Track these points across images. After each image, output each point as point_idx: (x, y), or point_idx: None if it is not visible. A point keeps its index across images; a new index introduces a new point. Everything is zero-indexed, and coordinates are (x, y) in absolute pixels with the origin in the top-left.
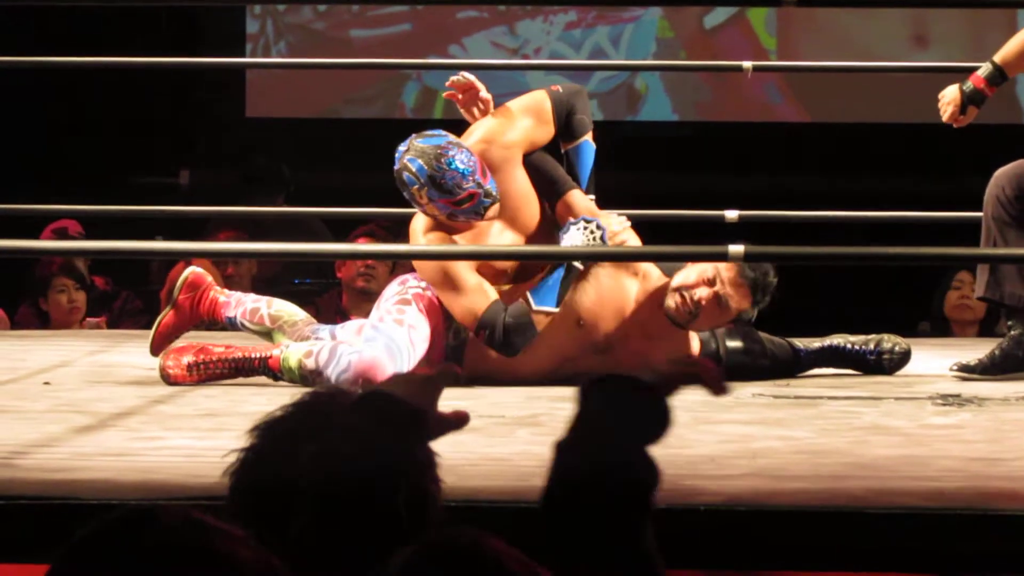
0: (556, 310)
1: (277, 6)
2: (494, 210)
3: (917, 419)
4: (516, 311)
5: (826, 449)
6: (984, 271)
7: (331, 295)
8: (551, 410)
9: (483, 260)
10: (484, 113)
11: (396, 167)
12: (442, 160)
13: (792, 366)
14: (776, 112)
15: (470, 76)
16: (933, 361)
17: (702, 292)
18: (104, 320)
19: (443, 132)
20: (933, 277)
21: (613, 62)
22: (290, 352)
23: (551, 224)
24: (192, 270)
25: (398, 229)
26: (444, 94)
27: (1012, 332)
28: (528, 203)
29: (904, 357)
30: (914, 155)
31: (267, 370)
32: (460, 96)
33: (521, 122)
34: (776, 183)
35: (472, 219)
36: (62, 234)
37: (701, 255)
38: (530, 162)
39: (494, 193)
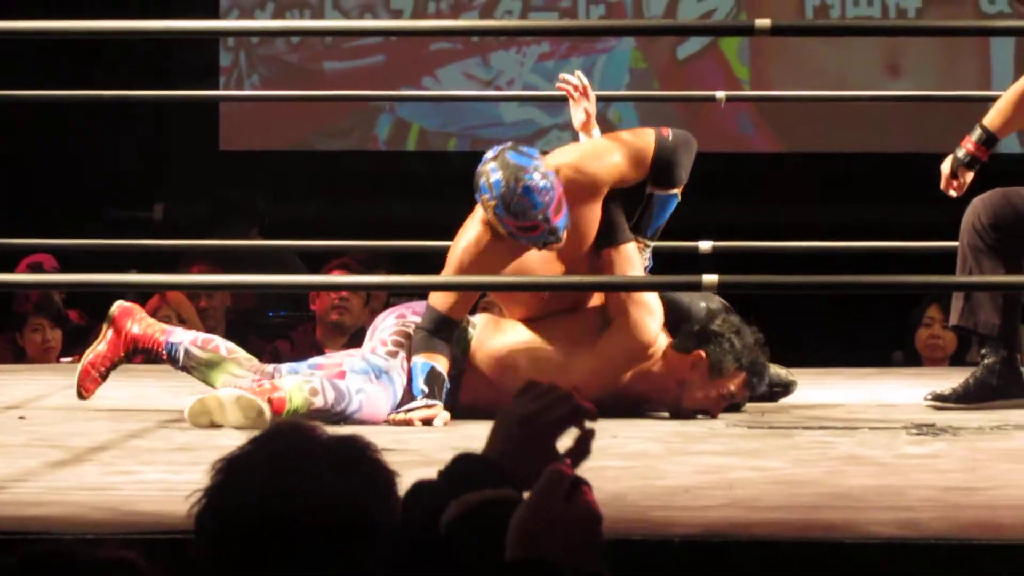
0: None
1: (250, 39)
2: (556, 246)
3: (892, 449)
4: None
5: (801, 479)
6: (959, 299)
7: (305, 328)
8: None
9: (476, 290)
10: (586, 125)
11: (479, 167)
12: (520, 183)
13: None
14: (749, 142)
15: (585, 80)
16: (907, 391)
17: (718, 410)
18: (78, 358)
19: (538, 153)
20: (906, 307)
21: None
22: (293, 392)
23: (594, 267)
24: (119, 304)
25: (372, 261)
26: (557, 86)
27: (985, 361)
28: (586, 240)
29: (787, 389)
30: (888, 184)
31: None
32: (575, 95)
33: (617, 158)
34: (750, 214)
35: (529, 245)
36: (37, 268)
37: (675, 285)
38: (612, 206)
39: (560, 232)
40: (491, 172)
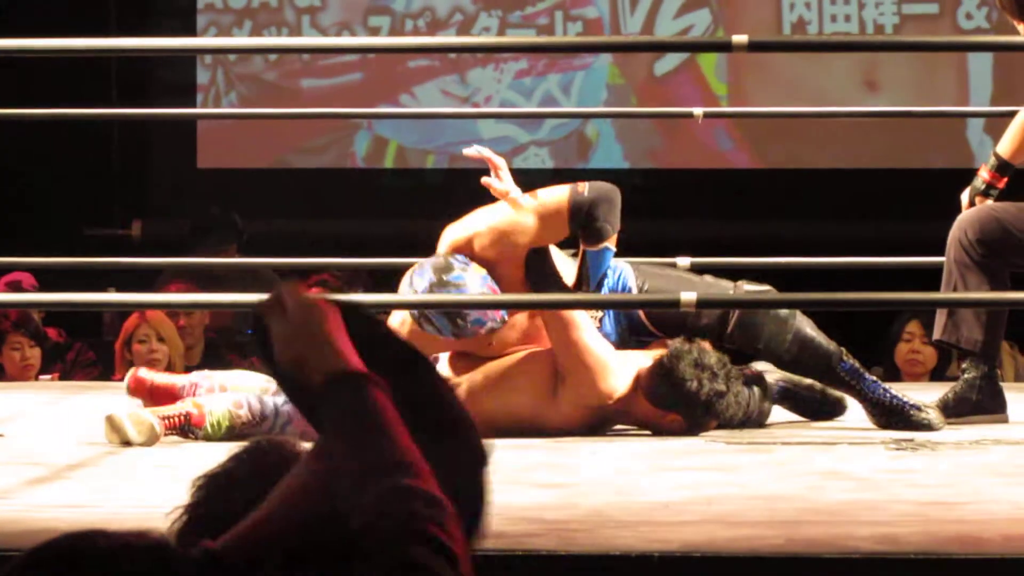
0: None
1: (228, 56)
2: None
3: (872, 464)
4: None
5: (781, 495)
6: (942, 314)
7: None
8: (507, 458)
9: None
10: (501, 193)
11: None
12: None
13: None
14: (727, 158)
15: (497, 160)
16: None
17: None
18: (57, 375)
19: (461, 264)
20: (885, 322)
21: (564, 109)
22: (214, 407)
23: (530, 326)
24: (130, 376)
25: (351, 278)
26: (469, 155)
27: (966, 375)
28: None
29: (840, 406)
30: (866, 200)
31: (189, 427)
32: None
33: (530, 221)
34: (728, 230)
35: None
36: (15, 287)
37: (653, 303)
38: (535, 259)
39: (497, 327)
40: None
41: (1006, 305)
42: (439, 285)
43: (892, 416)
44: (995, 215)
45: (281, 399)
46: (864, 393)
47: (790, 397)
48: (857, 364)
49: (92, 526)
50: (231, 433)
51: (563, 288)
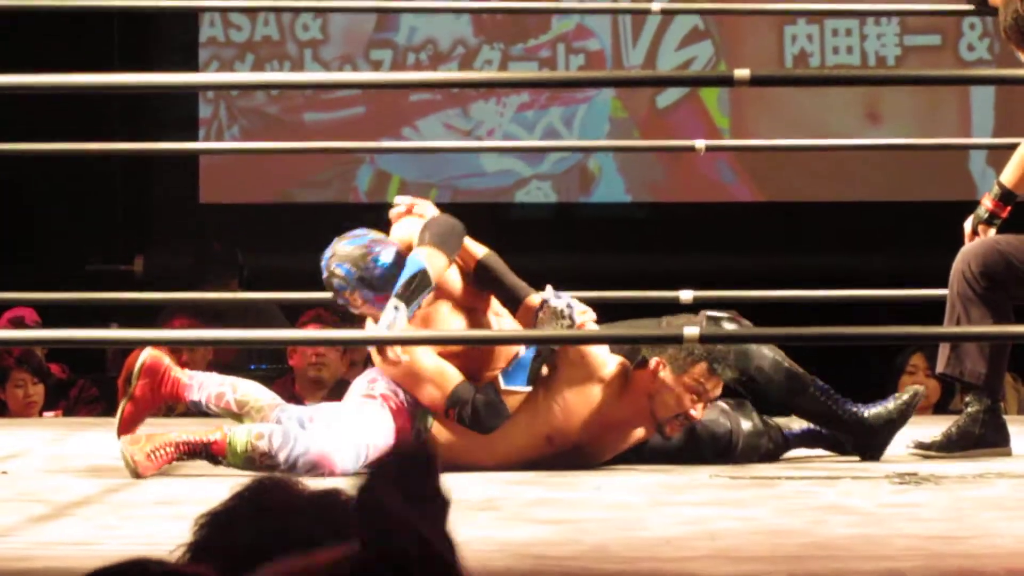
0: (527, 389)
1: (230, 90)
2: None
3: (875, 498)
4: (487, 390)
5: (784, 529)
6: (945, 347)
7: (284, 381)
8: (509, 494)
9: (440, 344)
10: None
11: (324, 276)
12: (368, 259)
13: (782, 448)
14: (730, 191)
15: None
16: None
17: (696, 412)
18: (60, 412)
19: (364, 231)
20: (889, 355)
21: (566, 143)
22: (236, 435)
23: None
24: (148, 354)
25: (348, 313)
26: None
27: (969, 409)
28: (464, 285)
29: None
30: (869, 233)
31: (210, 455)
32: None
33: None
34: (730, 263)
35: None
36: (18, 323)
37: (656, 338)
38: (484, 268)
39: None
40: (337, 269)
41: (1009, 339)
42: (365, 271)
43: (869, 435)
44: (998, 248)
45: (297, 424)
46: (838, 413)
47: (816, 437)
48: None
49: (96, 563)
50: (250, 464)
51: (522, 288)
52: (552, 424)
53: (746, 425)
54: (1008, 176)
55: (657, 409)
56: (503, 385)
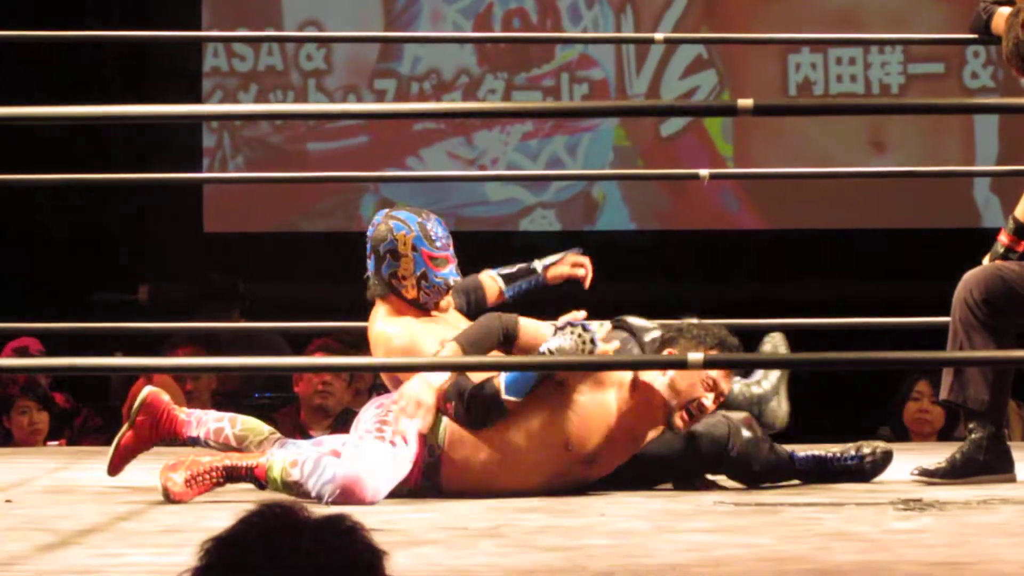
0: (519, 400)
1: (234, 121)
2: (447, 300)
3: (879, 524)
4: (488, 387)
5: (789, 556)
6: (948, 373)
7: (289, 410)
8: (513, 520)
9: (440, 370)
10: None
11: (377, 224)
12: (429, 216)
13: (787, 470)
14: (734, 219)
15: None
16: (894, 466)
17: (708, 400)
18: (64, 441)
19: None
20: (893, 381)
21: (570, 172)
22: (274, 461)
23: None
24: (149, 390)
25: (355, 342)
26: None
27: (973, 435)
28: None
29: (886, 458)
30: (873, 260)
31: (253, 479)
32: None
33: None
34: (735, 290)
35: (433, 298)
36: (22, 352)
37: (661, 363)
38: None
39: (452, 281)
40: (396, 215)
41: (1012, 364)
42: (425, 220)
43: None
44: (1000, 274)
45: (334, 461)
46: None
47: (824, 465)
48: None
49: None
50: (288, 491)
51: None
52: (568, 431)
53: (746, 433)
54: (1021, 210)
55: (670, 397)
56: (502, 391)
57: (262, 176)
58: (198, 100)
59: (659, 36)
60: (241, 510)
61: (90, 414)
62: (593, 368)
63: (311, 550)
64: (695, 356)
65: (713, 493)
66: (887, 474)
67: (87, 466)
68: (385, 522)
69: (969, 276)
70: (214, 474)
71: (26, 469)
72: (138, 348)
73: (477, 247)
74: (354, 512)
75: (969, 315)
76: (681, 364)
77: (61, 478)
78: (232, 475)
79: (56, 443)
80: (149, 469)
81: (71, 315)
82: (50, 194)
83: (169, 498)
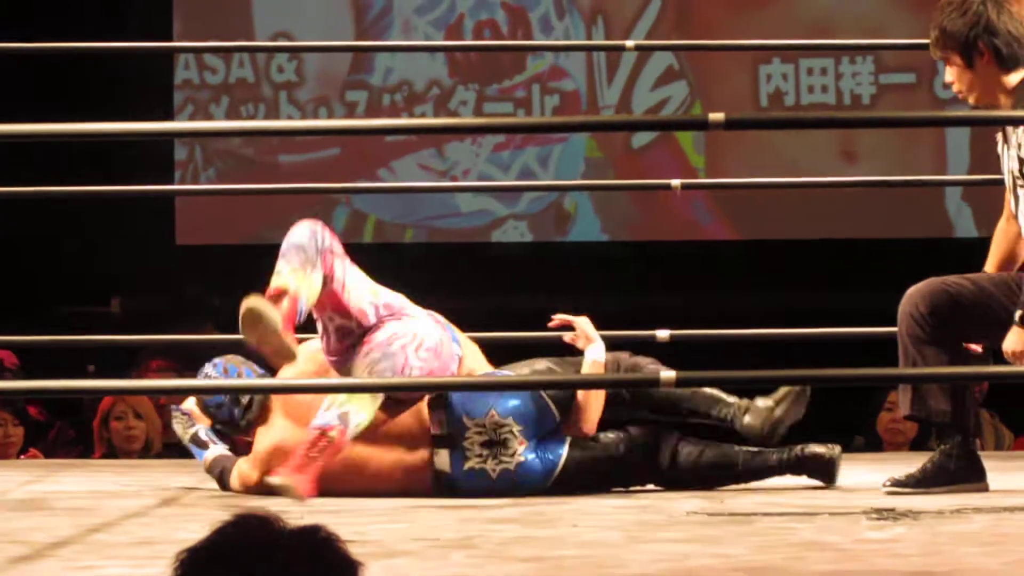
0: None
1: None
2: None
3: (852, 534)
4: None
5: (762, 566)
6: (907, 389)
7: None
8: (486, 531)
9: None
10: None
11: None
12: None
13: (731, 468)
14: (705, 230)
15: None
16: (867, 475)
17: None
18: (38, 453)
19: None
20: (867, 392)
21: (542, 183)
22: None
23: None
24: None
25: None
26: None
27: (942, 446)
28: None
29: (831, 462)
30: (845, 271)
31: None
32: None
33: None
34: (706, 302)
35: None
36: None
37: (635, 382)
38: None
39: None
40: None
41: (969, 380)
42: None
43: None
44: (944, 287)
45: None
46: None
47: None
48: None
49: None
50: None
51: None
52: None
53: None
54: None
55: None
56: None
57: (234, 188)
58: (170, 112)
59: (630, 44)
60: (215, 521)
61: (64, 427)
62: (557, 387)
63: (286, 561)
64: (667, 374)
65: (688, 496)
66: (860, 483)
67: (60, 478)
68: (358, 533)
69: (913, 291)
70: (312, 457)
71: (0, 481)
72: (111, 361)
73: (449, 259)
74: (328, 523)
75: (916, 329)
76: (654, 382)
77: (34, 490)
78: (316, 449)
79: (23, 456)
80: (124, 483)
81: (43, 328)
82: (20, 206)
83: (301, 499)
